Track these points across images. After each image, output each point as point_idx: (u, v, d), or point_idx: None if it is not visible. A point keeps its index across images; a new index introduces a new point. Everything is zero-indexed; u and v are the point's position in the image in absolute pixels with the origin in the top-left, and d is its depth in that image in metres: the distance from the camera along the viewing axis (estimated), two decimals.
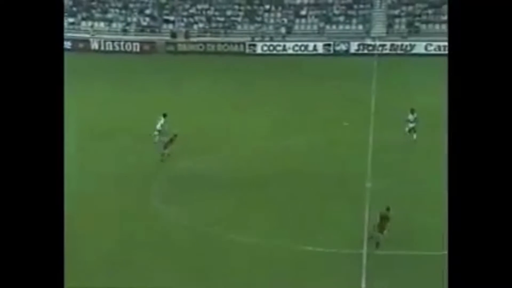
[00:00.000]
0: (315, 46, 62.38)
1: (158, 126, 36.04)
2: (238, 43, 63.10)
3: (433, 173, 32.32)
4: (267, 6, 66.55)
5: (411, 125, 37.63)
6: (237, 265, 25.68)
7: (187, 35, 64.63)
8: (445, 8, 63.51)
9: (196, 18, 66.52)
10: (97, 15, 67.58)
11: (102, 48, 63.72)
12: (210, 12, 66.73)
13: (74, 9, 67.73)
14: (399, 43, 61.48)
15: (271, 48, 63.02)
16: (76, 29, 65.96)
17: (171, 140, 35.45)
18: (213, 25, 65.90)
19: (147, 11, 67.42)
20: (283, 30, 64.89)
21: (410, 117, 37.69)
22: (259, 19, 66.06)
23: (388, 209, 26.17)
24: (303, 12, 65.82)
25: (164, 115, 36.40)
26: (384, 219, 25.97)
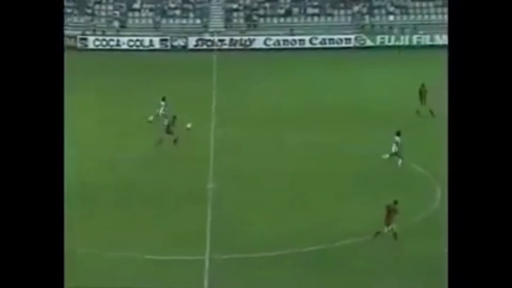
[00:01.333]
0: (151, 41, 60.06)
1: (161, 111, 36.80)
2: (68, 37, 59.05)
3: (281, 174, 31.62)
4: None
5: (394, 148, 32.25)
6: (77, 277, 23.01)
7: None
8: (282, 1, 63.12)
9: None
10: None
11: None
12: None
13: None
14: (238, 37, 60.60)
15: (104, 43, 59.72)
16: None
17: (173, 123, 34.97)
18: None
19: None
20: (116, 24, 61.54)
21: (397, 138, 32.31)
22: (89, 11, 62.37)
23: (395, 202, 25.18)
24: (137, 5, 63.08)
25: (163, 99, 37.09)
26: (391, 212, 25.06)
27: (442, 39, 59.43)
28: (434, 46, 59.03)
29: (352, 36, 61.78)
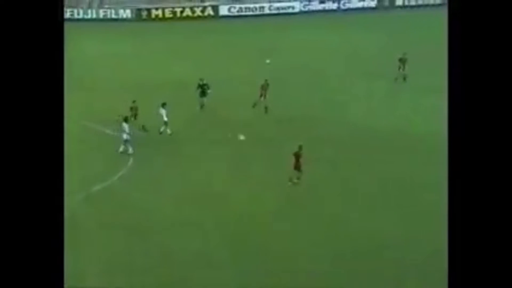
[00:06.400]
0: None
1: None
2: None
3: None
4: None
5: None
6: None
7: None
8: None
9: None
10: None
11: None
12: None
13: None
14: None
15: None
16: None
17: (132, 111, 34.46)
18: None
19: None
20: None
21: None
22: None
23: (300, 147, 28.72)
24: None
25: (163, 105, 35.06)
26: (298, 156, 28.77)
27: (126, 13, 65.41)
28: (119, 20, 64.95)
29: None
